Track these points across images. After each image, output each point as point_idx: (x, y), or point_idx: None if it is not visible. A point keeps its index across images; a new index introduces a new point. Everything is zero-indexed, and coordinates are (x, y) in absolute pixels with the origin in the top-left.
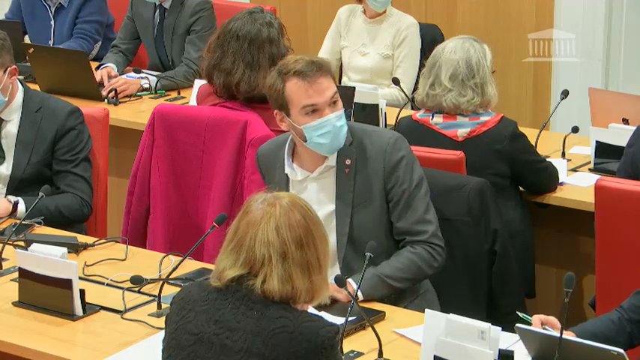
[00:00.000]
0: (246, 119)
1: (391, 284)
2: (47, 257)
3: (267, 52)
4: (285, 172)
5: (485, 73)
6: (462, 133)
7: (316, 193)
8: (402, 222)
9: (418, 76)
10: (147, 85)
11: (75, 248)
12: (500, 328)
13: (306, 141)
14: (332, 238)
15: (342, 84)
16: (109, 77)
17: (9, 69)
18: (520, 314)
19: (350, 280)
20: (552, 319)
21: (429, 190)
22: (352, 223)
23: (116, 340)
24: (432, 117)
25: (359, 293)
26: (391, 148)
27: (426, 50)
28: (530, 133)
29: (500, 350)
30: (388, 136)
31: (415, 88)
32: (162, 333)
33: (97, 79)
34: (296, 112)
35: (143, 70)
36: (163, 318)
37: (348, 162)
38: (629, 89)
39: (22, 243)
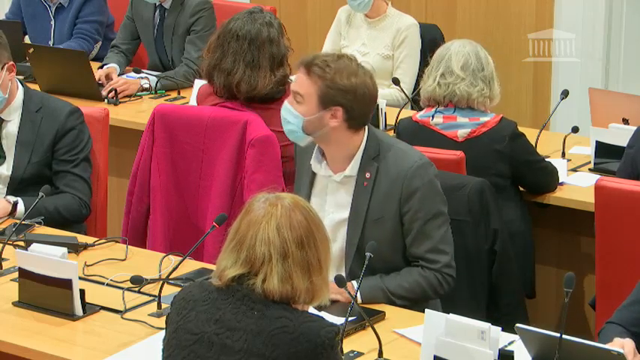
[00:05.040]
0: (246, 119)
1: (392, 299)
2: (47, 257)
3: (268, 51)
4: (310, 162)
5: (492, 71)
6: (462, 133)
7: (335, 196)
8: (414, 248)
9: (418, 77)
10: (147, 85)
11: (75, 248)
12: (500, 328)
13: None
14: (340, 246)
15: None
16: (108, 78)
17: (6, 65)
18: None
19: (353, 282)
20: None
21: (448, 221)
22: (363, 236)
23: (116, 340)
24: (432, 118)
25: (357, 296)
26: (412, 174)
27: (426, 50)
28: (530, 133)
29: (500, 350)
30: (413, 160)
31: (415, 89)
32: (162, 333)
33: (97, 78)
34: None
35: (143, 70)
36: (163, 318)
37: (367, 175)
38: (629, 89)
39: (22, 243)
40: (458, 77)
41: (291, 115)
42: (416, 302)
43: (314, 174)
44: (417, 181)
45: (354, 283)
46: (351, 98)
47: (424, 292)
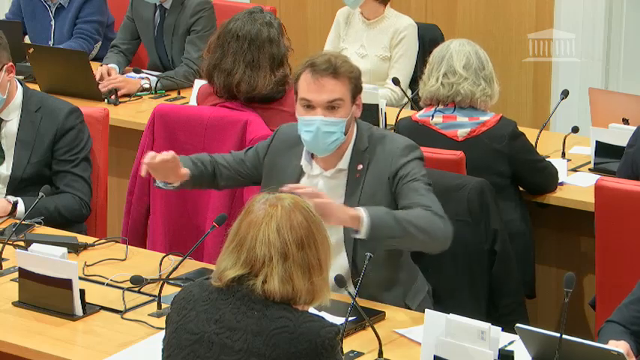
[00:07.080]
0: (246, 119)
1: (403, 225)
2: (47, 257)
3: (268, 52)
4: (301, 163)
5: (491, 70)
6: (462, 133)
7: (326, 192)
8: (405, 200)
9: (416, 77)
10: (147, 85)
11: (75, 248)
12: (500, 328)
13: None
14: (339, 237)
15: None
16: (109, 75)
17: (5, 66)
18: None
19: (361, 208)
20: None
21: (435, 196)
22: None
23: (116, 340)
24: (432, 117)
25: (365, 221)
26: (400, 153)
27: (425, 50)
28: (530, 133)
29: (500, 350)
30: (400, 142)
31: (411, 89)
32: (162, 333)
33: (97, 76)
34: (298, 102)
35: (143, 70)
36: (163, 318)
37: (359, 167)
38: (629, 89)
39: (22, 243)
40: (461, 77)
41: (335, 125)
42: (426, 234)
43: (299, 174)
44: (403, 158)
45: (362, 210)
46: (361, 81)
47: (433, 222)
